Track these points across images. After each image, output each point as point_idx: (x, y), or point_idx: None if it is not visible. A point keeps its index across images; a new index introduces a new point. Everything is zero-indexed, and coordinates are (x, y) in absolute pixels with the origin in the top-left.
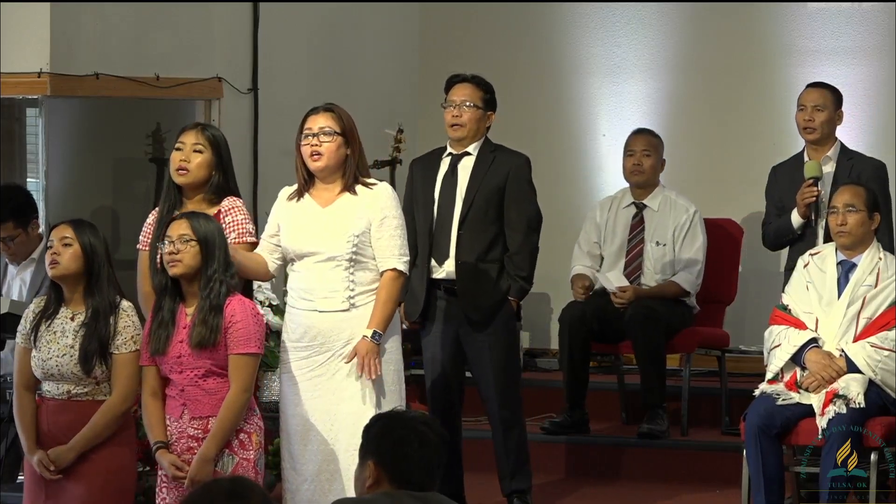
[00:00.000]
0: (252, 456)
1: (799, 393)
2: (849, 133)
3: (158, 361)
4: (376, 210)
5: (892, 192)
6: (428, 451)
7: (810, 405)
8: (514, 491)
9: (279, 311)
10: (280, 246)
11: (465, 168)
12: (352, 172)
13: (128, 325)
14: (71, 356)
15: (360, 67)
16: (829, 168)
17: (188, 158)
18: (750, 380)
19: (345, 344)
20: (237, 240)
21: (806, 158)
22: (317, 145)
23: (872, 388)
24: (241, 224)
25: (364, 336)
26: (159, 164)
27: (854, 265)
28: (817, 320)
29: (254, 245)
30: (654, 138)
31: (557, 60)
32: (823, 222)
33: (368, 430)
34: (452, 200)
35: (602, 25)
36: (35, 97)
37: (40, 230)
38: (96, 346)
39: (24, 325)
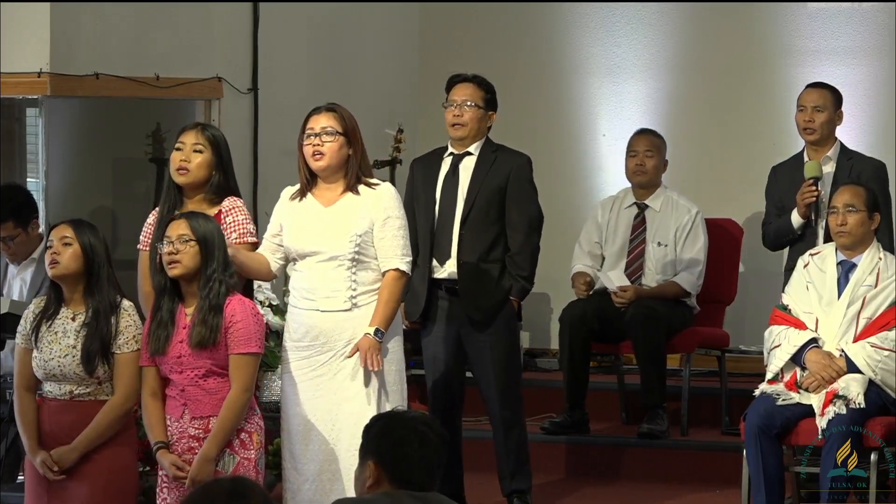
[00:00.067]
0: (253, 455)
1: (799, 393)
2: (849, 133)
3: (158, 361)
4: (379, 210)
5: (892, 192)
6: (428, 451)
7: (810, 405)
8: (514, 491)
9: (279, 311)
10: (282, 246)
11: (467, 168)
12: (354, 172)
13: (129, 324)
14: (73, 356)
15: (360, 67)
16: (829, 168)
17: (188, 158)
18: (750, 380)
19: (346, 344)
20: (238, 240)
21: (806, 158)
22: (319, 145)
23: (872, 388)
24: (242, 224)
25: (366, 333)
26: (159, 164)
27: (854, 265)
28: (817, 320)
29: (255, 245)
30: (657, 139)
31: (557, 60)
32: (823, 222)
33: (368, 430)
34: (454, 200)
35: (602, 25)
36: (35, 97)
37: (40, 230)
38: (98, 346)
39: (24, 326)
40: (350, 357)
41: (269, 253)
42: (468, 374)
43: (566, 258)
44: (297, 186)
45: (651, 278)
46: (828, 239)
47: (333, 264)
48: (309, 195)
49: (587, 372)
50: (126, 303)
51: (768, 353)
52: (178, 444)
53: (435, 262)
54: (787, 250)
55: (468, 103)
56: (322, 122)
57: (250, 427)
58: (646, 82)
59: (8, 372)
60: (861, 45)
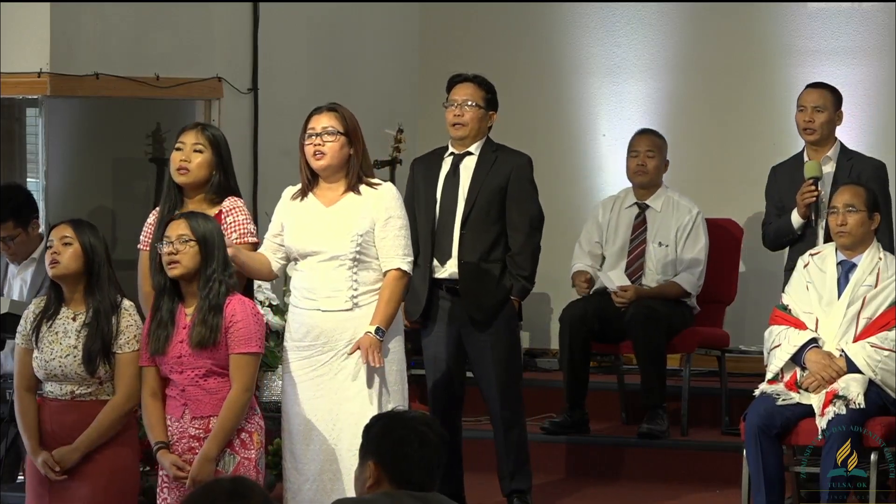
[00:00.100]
0: (253, 455)
1: (799, 393)
2: (849, 133)
3: (158, 362)
4: (381, 210)
5: (892, 192)
6: (428, 451)
7: (810, 405)
8: (514, 491)
9: (279, 311)
10: (283, 246)
11: (467, 168)
12: (355, 172)
13: (130, 324)
14: (74, 356)
15: (360, 67)
16: (829, 168)
17: (188, 158)
18: (750, 380)
19: (347, 343)
20: (239, 240)
21: (806, 158)
22: (320, 145)
23: (872, 388)
24: (243, 224)
25: (367, 332)
26: (159, 164)
27: (854, 265)
28: (817, 320)
29: (255, 245)
30: (659, 139)
31: (557, 60)
32: (823, 222)
33: (368, 430)
34: (455, 200)
35: (602, 25)
36: (35, 97)
37: (40, 230)
38: (99, 345)
39: (24, 326)
40: (351, 354)
41: (271, 253)
42: (468, 374)
43: (566, 258)
44: (299, 186)
45: (651, 278)
46: (828, 239)
47: (334, 264)
48: (310, 195)
49: (587, 372)
50: (127, 302)
51: (768, 353)
52: (179, 444)
53: (436, 262)
54: (787, 250)
55: (469, 103)
56: (323, 121)
57: (251, 427)
58: (646, 82)
59: (8, 372)
60: (861, 45)
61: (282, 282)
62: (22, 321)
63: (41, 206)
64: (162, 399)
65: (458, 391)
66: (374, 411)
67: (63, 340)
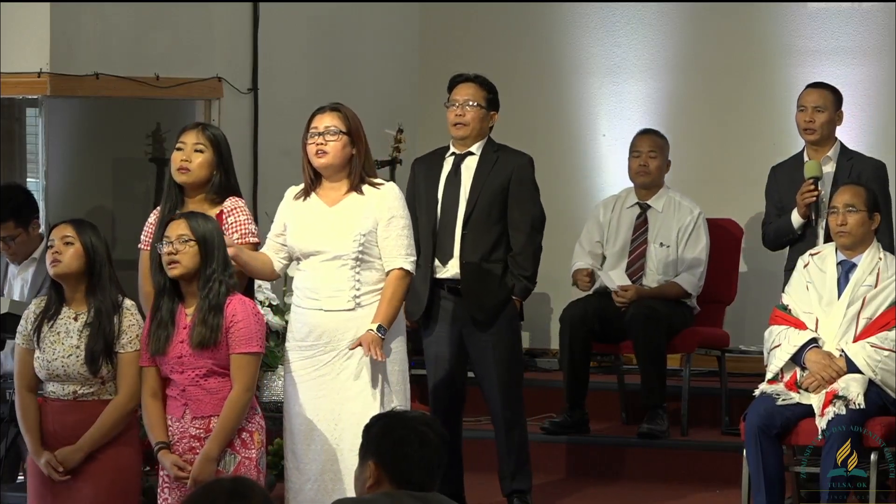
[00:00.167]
0: (254, 455)
1: (799, 393)
2: (849, 133)
3: (158, 362)
4: (383, 210)
5: (892, 192)
6: (428, 451)
7: (810, 405)
8: (515, 491)
9: (279, 311)
10: (286, 245)
11: (469, 168)
12: (358, 172)
13: (132, 323)
14: (77, 356)
15: (360, 67)
16: (829, 168)
17: (189, 158)
18: (750, 380)
19: (349, 343)
20: (240, 240)
21: (806, 158)
22: (322, 144)
23: (872, 389)
24: (244, 224)
25: (369, 329)
26: (159, 164)
27: (854, 265)
28: (817, 320)
29: (256, 245)
30: (660, 139)
31: (557, 60)
32: (823, 222)
33: (369, 430)
34: (456, 200)
35: (602, 25)
36: (35, 97)
37: (41, 230)
38: (102, 345)
39: (24, 326)
40: (352, 350)
41: (273, 252)
42: (469, 374)
43: (566, 258)
44: (302, 186)
45: (652, 278)
46: (828, 239)
47: (337, 264)
48: (313, 195)
49: (587, 372)
50: (128, 302)
51: (768, 353)
52: (179, 444)
53: (437, 262)
54: (787, 250)
55: (470, 103)
56: (326, 121)
57: (251, 426)
58: (646, 82)
59: (8, 372)
60: (861, 45)
61: (282, 282)
62: (22, 321)
63: (41, 206)
64: (162, 399)
65: (460, 391)
66: (376, 411)
67: (65, 340)
